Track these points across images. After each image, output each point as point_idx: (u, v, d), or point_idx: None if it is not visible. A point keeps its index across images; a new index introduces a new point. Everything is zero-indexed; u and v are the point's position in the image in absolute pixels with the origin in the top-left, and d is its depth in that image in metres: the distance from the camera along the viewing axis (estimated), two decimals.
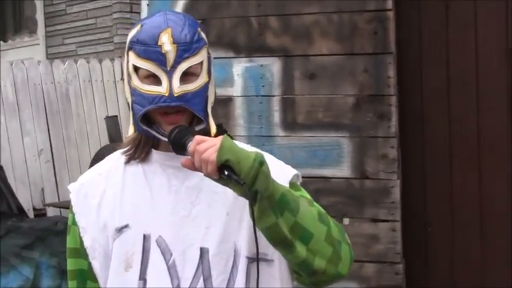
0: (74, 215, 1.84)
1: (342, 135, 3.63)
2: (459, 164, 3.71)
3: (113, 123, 7.01)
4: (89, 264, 1.82)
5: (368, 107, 3.58)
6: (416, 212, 3.77)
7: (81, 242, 1.82)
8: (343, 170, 3.63)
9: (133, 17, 8.50)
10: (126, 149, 1.86)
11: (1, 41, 10.19)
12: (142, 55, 1.73)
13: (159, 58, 1.71)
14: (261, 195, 1.58)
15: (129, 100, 1.81)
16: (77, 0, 9.03)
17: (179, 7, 3.80)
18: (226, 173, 1.58)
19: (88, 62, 7.45)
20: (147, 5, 3.86)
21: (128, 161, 1.84)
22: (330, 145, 3.65)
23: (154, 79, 1.73)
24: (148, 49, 1.72)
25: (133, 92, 1.78)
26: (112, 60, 7.69)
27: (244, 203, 1.69)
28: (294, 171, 1.82)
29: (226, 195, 1.74)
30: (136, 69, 1.76)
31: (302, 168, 3.70)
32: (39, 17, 9.57)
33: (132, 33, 1.79)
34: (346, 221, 3.63)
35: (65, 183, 7.00)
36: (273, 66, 3.73)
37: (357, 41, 3.59)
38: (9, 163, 6.64)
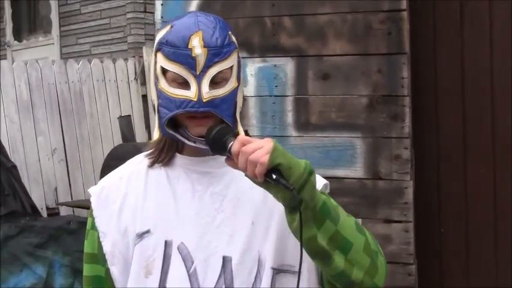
0: (93, 219, 1.79)
1: (355, 136, 3.62)
2: (473, 164, 3.69)
3: (126, 123, 7.03)
4: (107, 270, 1.77)
5: (382, 107, 3.57)
6: (429, 213, 3.76)
7: (100, 247, 1.77)
8: (356, 171, 3.63)
9: (147, 17, 8.52)
10: (149, 152, 1.81)
11: (16, 41, 10.24)
12: (171, 57, 1.68)
13: (188, 61, 1.66)
14: (306, 205, 1.55)
15: (155, 102, 1.75)
16: (91, 0, 9.06)
17: (193, 6, 3.81)
18: (274, 176, 1.53)
19: (102, 62, 7.46)
20: (161, 4, 3.87)
21: (151, 165, 1.78)
22: (343, 145, 3.64)
23: (183, 82, 1.68)
24: (178, 52, 1.67)
25: (160, 94, 1.72)
26: (126, 60, 7.70)
27: (271, 212, 1.68)
28: (323, 181, 1.79)
29: (252, 203, 1.71)
30: (164, 71, 1.71)
31: (315, 168, 3.69)
32: (54, 16, 9.61)
33: (161, 34, 1.73)
34: (359, 221, 3.61)
35: (78, 182, 7.03)
36: (287, 66, 3.73)
37: (371, 41, 3.58)
38: (23, 162, 6.66)
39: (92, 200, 1.80)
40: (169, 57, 1.68)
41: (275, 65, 3.75)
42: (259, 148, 1.55)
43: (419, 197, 3.67)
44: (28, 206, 5.47)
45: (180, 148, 1.77)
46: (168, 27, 1.72)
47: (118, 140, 7.12)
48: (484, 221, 3.69)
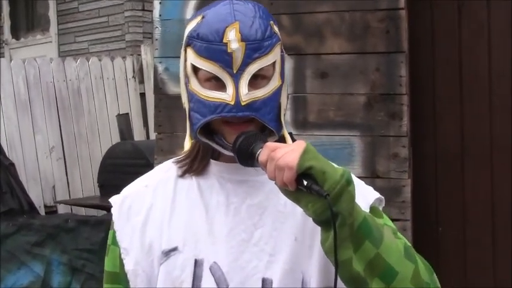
0: (114, 232, 1.57)
1: (353, 134, 3.62)
2: (471, 163, 3.69)
3: (124, 121, 7.04)
4: None
5: (380, 106, 3.57)
6: (427, 212, 3.76)
7: (122, 265, 1.55)
8: (354, 169, 3.62)
9: (145, 15, 8.54)
10: (180, 158, 1.59)
11: (14, 39, 10.24)
12: (204, 54, 1.45)
13: (223, 58, 1.44)
14: (343, 221, 1.32)
15: (186, 106, 1.53)
16: None
17: (191, 6, 3.80)
18: (305, 183, 1.32)
19: (100, 60, 7.47)
20: (159, 3, 3.86)
21: (182, 174, 1.57)
22: (341, 144, 3.64)
23: (217, 83, 1.46)
24: (211, 47, 1.44)
25: (192, 97, 1.49)
26: (124, 58, 7.71)
27: (314, 227, 1.44)
28: (376, 195, 1.59)
29: (294, 216, 1.50)
30: (195, 69, 1.49)
31: None
32: (52, 15, 9.62)
33: (191, 26, 1.50)
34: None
35: (76, 180, 7.03)
36: (285, 64, 3.72)
37: (369, 39, 3.58)
38: (21, 160, 6.67)
39: (113, 210, 1.59)
40: (201, 53, 1.46)
41: None
42: (289, 152, 1.34)
43: (417, 196, 3.68)
44: (26, 204, 5.47)
45: (216, 154, 1.56)
46: (198, 18, 1.49)
47: (116, 137, 7.13)
48: (482, 219, 3.69)
